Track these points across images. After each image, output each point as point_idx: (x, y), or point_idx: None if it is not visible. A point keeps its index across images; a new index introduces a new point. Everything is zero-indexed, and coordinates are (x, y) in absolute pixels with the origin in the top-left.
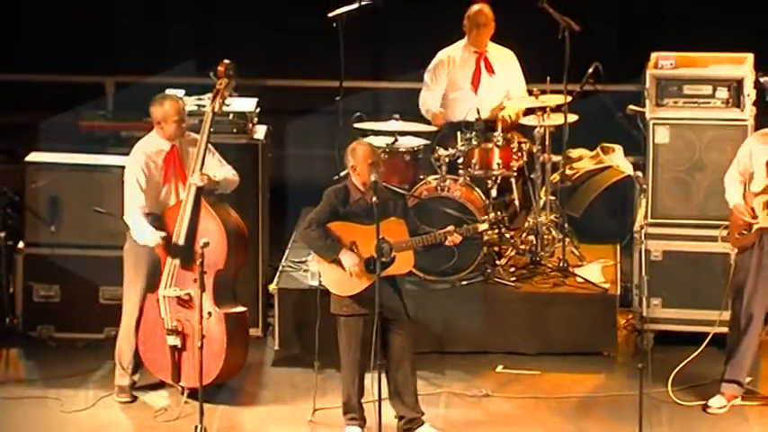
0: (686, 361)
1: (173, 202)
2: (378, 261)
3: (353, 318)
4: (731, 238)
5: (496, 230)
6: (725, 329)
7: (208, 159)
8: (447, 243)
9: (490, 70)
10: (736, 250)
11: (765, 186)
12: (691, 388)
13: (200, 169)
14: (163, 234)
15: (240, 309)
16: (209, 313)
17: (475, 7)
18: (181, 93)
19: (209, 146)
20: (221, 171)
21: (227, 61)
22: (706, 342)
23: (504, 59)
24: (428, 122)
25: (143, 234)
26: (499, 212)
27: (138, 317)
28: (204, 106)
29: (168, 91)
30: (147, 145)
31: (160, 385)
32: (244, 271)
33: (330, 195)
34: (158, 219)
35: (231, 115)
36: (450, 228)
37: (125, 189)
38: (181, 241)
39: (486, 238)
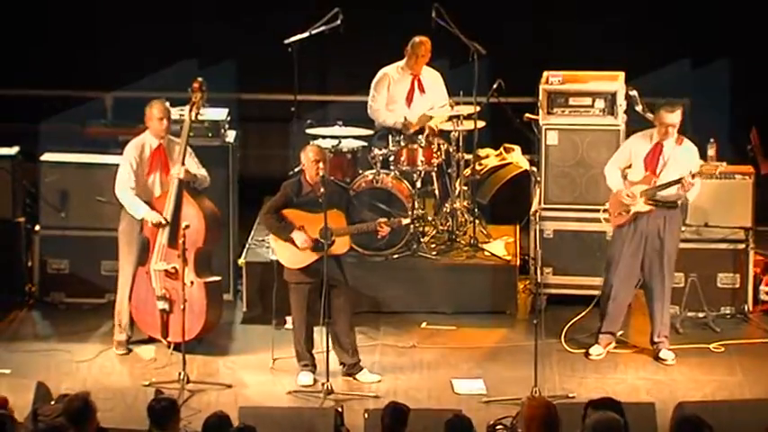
0: (576, 318)
1: (157, 191)
2: (325, 242)
3: (301, 285)
4: (611, 217)
5: (418, 225)
6: None
7: (188, 160)
8: (378, 234)
9: (422, 90)
10: (613, 226)
11: (643, 177)
12: (575, 339)
13: (182, 164)
14: (160, 216)
15: (216, 278)
16: (192, 282)
17: (418, 39)
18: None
19: (189, 149)
20: (198, 170)
21: (200, 79)
22: (594, 303)
23: (433, 80)
24: (365, 128)
25: (139, 210)
26: (420, 208)
27: (130, 287)
28: (184, 115)
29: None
30: (139, 140)
31: (148, 341)
32: (219, 247)
33: (286, 187)
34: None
35: (207, 123)
36: (382, 220)
37: (118, 172)
38: (168, 225)
39: (410, 231)
